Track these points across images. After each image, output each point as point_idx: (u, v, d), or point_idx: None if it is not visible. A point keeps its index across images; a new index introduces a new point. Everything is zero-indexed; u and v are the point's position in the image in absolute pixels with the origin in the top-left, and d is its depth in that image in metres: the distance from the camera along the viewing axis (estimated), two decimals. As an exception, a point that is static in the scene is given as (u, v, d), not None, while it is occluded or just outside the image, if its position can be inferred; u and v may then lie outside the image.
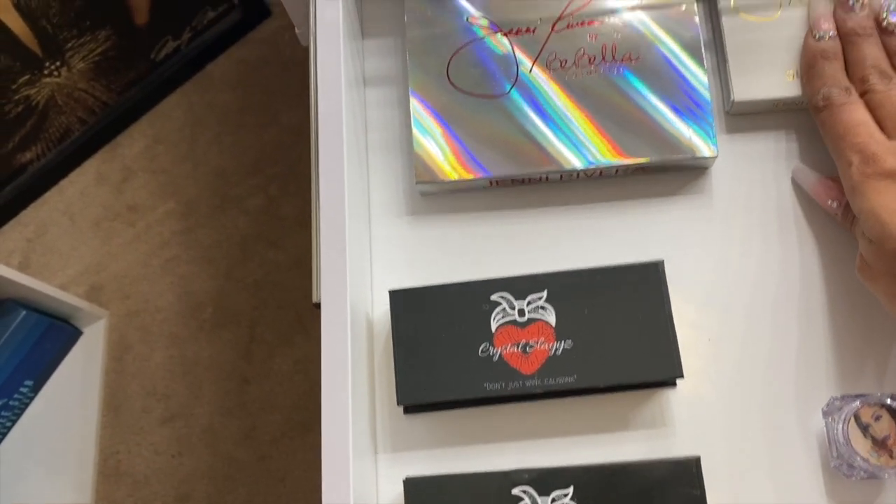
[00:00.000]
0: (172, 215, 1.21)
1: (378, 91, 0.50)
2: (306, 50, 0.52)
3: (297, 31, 0.55)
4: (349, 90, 0.45)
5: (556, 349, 0.41)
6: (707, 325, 0.44)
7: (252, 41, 1.27)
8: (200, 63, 1.26)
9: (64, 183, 1.24)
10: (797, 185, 0.45)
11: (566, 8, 0.47)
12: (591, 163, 0.45)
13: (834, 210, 0.43)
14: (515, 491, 0.40)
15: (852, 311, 0.43)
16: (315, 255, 0.44)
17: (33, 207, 1.23)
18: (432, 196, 0.48)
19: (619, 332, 0.41)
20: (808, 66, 0.43)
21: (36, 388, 1.08)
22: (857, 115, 0.41)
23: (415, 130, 0.46)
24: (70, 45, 1.09)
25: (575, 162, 0.45)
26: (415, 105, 0.46)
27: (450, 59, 0.47)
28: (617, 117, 0.45)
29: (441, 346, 0.42)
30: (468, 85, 0.47)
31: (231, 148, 1.23)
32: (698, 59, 0.45)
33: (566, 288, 0.42)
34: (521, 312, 0.42)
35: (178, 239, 1.20)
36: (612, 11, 0.47)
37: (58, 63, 1.10)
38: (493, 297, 0.42)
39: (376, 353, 0.45)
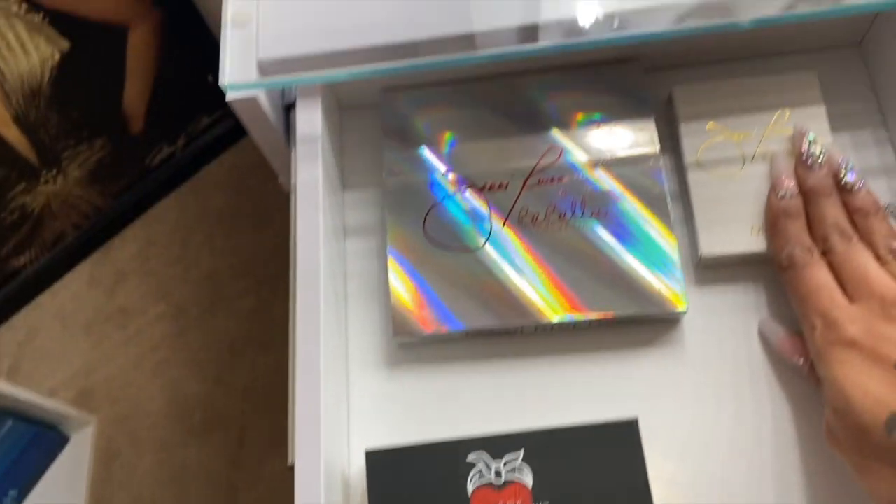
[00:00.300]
0: (164, 318, 1.22)
1: (359, 241, 0.51)
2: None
3: (279, 179, 0.56)
4: (328, 245, 0.46)
5: (533, 512, 0.41)
6: (684, 480, 0.44)
7: (246, 146, 1.30)
8: (195, 168, 1.28)
9: (57, 286, 1.24)
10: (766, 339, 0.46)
11: (537, 164, 0.49)
12: (569, 317, 0.45)
13: (801, 366, 0.43)
14: (470, 458, 0.42)
15: (826, 469, 0.43)
16: (290, 417, 0.44)
17: (25, 311, 1.23)
18: (410, 347, 0.48)
19: (597, 494, 0.41)
20: (772, 225, 0.45)
21: (20, 498, 1.07)
22: (819, 277, 0.42)
23: (392, 284, 0.47)
24: (66, 153, 1.11)
25: (550, 315, 0.46)
26: (391, 262, 0.48)
27: (426, 215, 0.48)
28: (588, 271, 0.46)
29: (418, 509, 0.42)
30: (444, 239, 0.48)
31: (223, 250, 1.25)
32: (664, 216, 0.47)
33: (543, 447, 0.42)
34: (498, 474, 0.42)
35: (169, 342, 1.20)
36: (581, 167, 0.48)
37: (54, 171, 1.12)
38: (470, 458, 0.43)
39: (354, 508, 0.45)
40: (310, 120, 0.47)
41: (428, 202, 0.49)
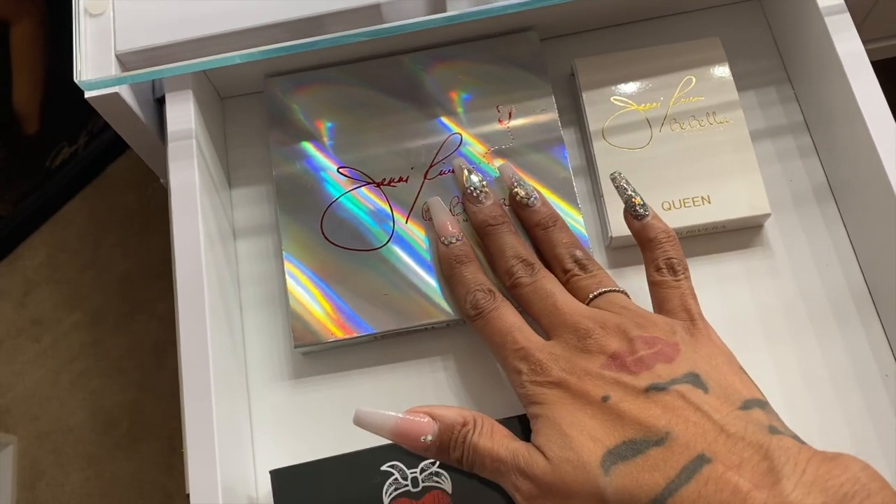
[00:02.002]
0: (80, 327, 1.16)
1: (251, 242, 0.48)
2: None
3: (161, 180, 0.52)
4: (213, 250, 0.42)
5: (453, 520, 0.39)
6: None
7: (152, 139, 1.24)
8: (100, 166, 1.22)
9: (-40, 304, 1.18)
10: None
11: (436, 155, 0.46)
12: None
13: (427, 446, 0.38)
14: (385, 467, 0.39)
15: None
16: (184, 444, 0.41)
17: (-72, 331, 1.17)
18: (314, 355, 0.45)
19: (517, 494, 0.39)
20: (448, 275, 0.43)
21: (-62, 531, 1.01)
22: (508, 318, 0.40)
23: (290, 290, 0.44)
24: (-45, 162, 1.05)
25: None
26: (288, 267, 0.44)
27: (323, 214, 0.45)
28: None
29: (330, 528, 0.39)
30: (344, 239, 0.45)
31: (136, 251, 1.20)
32: (572, 201, 0.44)
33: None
34: (415, 481, 0.40)
35: (88, 351, 1.15)
36: (479, 158, 0.46)
37: (-56, 183, 1.05)
38: (384, 468, 0.40)
39: (265, 532, 0.42)
40: (181, 114, 0.43)
41: (323, 201, 0.45)
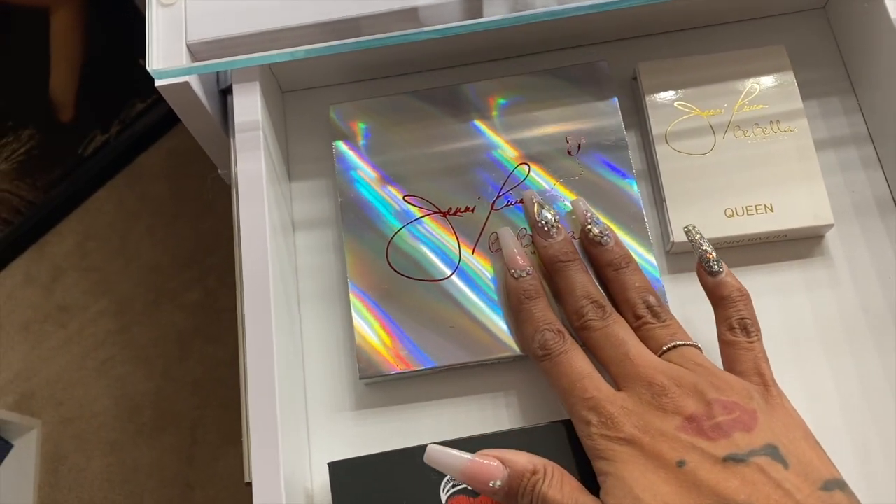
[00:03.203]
0: (106, 314, 1.17)
1: (309, 235, 0.48)
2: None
3: (220, 171, 0.52)
4: (276, 241, 0.43)
5: (510, 519, 0.39)
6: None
7: (183, 130, 1.23)
8: (130, 155, 1.23)
9: (-11, 287, 1.19)
10: None
11: (503, 185, 0.45)
12: None
13: (495, 491, 0.37)
14: None
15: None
16: (245, 432, 0.41)
17: (-45, 315, 1.17)
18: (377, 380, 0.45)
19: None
20: (516, 310, 0.42)
21: (-37, 509, 1.02)
22: (579, 365, 0.39)
23: (356, 323, 0.43)
24: (-9, 146, 1.06)
25: None
26: (353, 298, 0.44)
27: (388, 243, 0.45)
28: None
29: (387, 522, 0.39)
30: (409, 269, 0.44)
31: (165, 241, 1.20)
32: (643, 238, 0.44)
33: (519, 448, 0.40)
34: (472, 479, 0.40)
35: (113, 339, 1.16)
36: (552, 190, 0.45)
37: (-21, 166, 1.06)
38: (441, 464, 0.40)
39: (318, 525, 0.42)
40: (248, 106, 0.44)
41: (389, 230, 0.45)
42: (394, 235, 0.45)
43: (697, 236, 0.41)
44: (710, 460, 0.34)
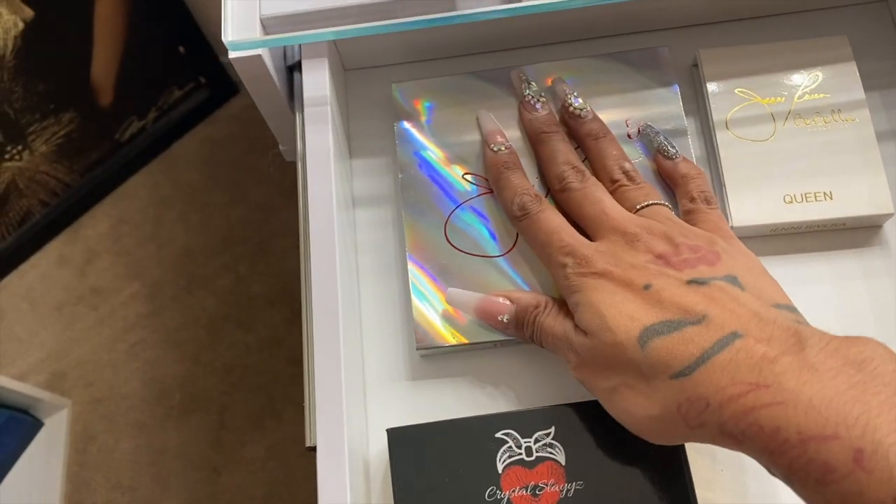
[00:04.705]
0: (138, 298, 1.18)
1: (368, 211, 0.49)
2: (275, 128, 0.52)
3: (280, 148, 0.53)
4: (340, 215, 0.43)
5: (568, 491, 0.40)
6: (721, 458, 0.43)
7: (219, 119, 1.26)
8: (166, 142, 1.25)
9: (24, 267, 1.20)
10: None
11: None
12: None
13: (505, 325, 0.43)
14: (499, 434, 0.41)
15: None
16: (308, 397, 0.42)
17: (-9, 293, 1.19)
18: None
19: (631, 469, 0.40)
20: (496, 179, 0.45)
21: (-6, 484, 1.03)
22: (555, 220, 0.42)
23: (413, 297, 0.44)
24: (32, 128, 1.07)
25: None
26: (412, 269, 0.45)
27: (447, 219, 0.46)
28: None
29: (445, 490, 0.40)
30: (467, 245, 0.45)
31: (197, 227, 1.21)
32: None
33: (574, 423, 0.41)
34: (529, 451, 0.40)
35: (144, 322, 1.17)
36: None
37: (20, 147, 1.07)
38: (499, 435, 0.41)
39: (373, 493, 0.43)
40: (317, 81, 0.44)
41: (447, 206, 0.46)
42: (452, 212, 0.46)
43: (649, 129, 0.46)
44: (675, 283, 0.37)
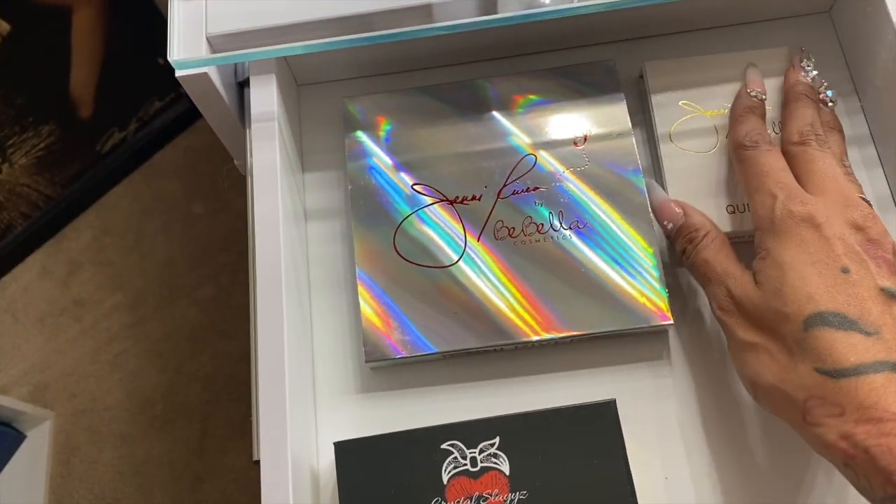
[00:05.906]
0: (120, 308, 1.19)
1: (320, 226, 0.49)
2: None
3: (235, 162, 0.54)
4: (288, 229, 0.44)
5: (511, 501, 0.40)
6: (662, 464, 0.43)
7: (199, 129, 1.26)
8: (147, 153, 1.25)
9: (6, 279, 1.20)
10: None
11: (510, 175, 0.47)
12: (548, 336, 0.44)
13: (668, 231, 0.44)
14: (444, 445, 0.41)
15: (783, 446, 0.43)
16: (254, 410, 0.43)
17: (-27, 306, 1.19)
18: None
19: (575, 478, 0.40)
20: (739, 114, 0.45)
21: (-23, 498, 1.04)
22: (781, 161, 0.41)
23: (362, 307, 0.45)
24: (11, 141, 1.08)
25: (530, 333, 0.44)
26: (361, 282, 0.45)
27: (396, 230, 0.46)
28: (567, 286, 0.44)
29: (391, 502, 0.40)
30: (416, 256, 0.45)
31: (179, 237, 1.22)
32: (646, 227, 0.45)
33: (518, 433, 0.41)
34: (474, 461, 0.41)
35: (127, 333, 1.17)
36: (556, 175, 0.46)
37: (-1, 160, 1.08)
38: (444, 446, 0.41)
39: (324, 505, 0.43)
40: (265, 98, 0.45)
41: (398, 217, 0.46)
42: (402, 221, 0.46)
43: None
44: (870, 282, 0.36)
